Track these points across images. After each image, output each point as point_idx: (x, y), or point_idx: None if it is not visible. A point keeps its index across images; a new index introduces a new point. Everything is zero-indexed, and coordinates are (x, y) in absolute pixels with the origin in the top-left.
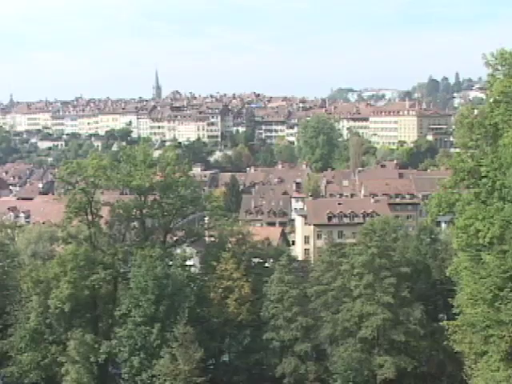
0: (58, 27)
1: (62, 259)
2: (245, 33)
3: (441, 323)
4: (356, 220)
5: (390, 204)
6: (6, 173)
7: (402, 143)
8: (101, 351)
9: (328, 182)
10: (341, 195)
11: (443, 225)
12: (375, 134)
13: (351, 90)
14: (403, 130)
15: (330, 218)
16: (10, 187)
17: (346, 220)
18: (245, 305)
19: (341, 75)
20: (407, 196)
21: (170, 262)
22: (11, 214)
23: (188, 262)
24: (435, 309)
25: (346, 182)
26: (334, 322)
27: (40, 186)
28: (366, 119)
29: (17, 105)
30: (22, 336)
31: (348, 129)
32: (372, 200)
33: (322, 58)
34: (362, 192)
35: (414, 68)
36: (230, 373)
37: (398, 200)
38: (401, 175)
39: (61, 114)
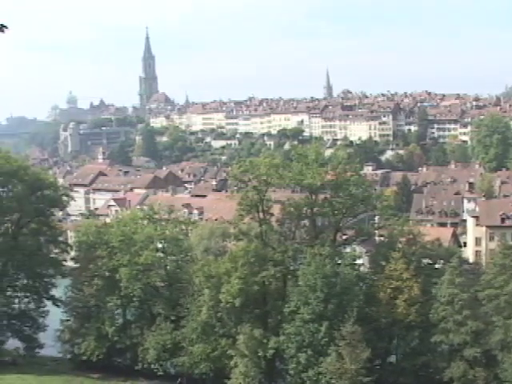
0: (225, 30)
1: (233, 255)
2: (410, 31)
3: None
4: None
5: None
6: (182, 171)
7: None
8: (269, 346)
9: (502, 183)
10: None
11: None
12: None
13: None
14: None
15: (503, 220)
16: (185, 185)
17: None
18: (414, 306)
19: None
20: None
21: (339, 261)
22: (185, 210)
23: (357, 262)
24: None
25: None
26: (506, 328)
27: (213, 183)
28: None
29: (192, 105)
30: (194, 328)
31: None
32: None
33: (495, 54)
34: None
35: None
36: (396, 374)
37: None
38: None
39: (234, 113)
